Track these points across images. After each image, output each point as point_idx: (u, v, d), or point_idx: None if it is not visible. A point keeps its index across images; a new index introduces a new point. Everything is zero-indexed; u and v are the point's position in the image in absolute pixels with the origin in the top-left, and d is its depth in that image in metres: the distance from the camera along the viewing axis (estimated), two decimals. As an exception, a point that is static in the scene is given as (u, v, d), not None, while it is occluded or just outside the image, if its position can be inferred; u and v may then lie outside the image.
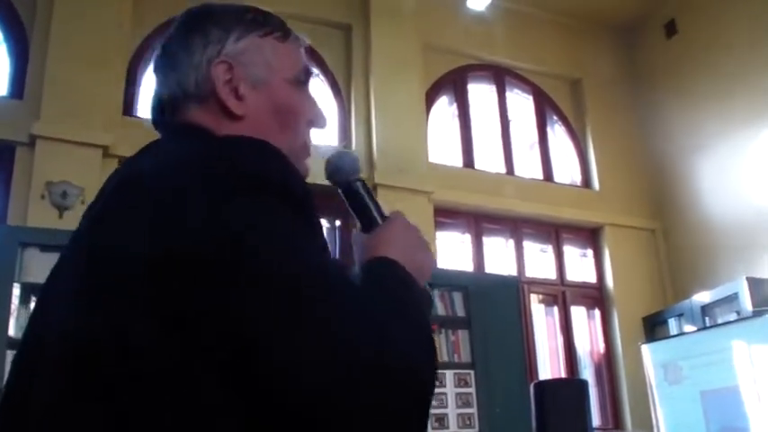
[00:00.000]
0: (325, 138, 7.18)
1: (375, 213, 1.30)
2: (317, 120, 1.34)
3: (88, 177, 5.75)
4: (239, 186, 0.99)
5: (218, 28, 1.23)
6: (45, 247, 4.38)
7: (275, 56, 1.26)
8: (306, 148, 1.32)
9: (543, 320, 7.82)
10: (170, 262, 0.93)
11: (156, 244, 0.95)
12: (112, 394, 0.92)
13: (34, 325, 1.10)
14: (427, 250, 1.26)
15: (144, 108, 6.55)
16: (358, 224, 1.32)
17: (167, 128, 1.25)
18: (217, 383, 0.91)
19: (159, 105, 1.26)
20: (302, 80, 1.31)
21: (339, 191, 1.33)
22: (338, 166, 1.33)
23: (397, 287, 1.11)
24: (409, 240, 1.25)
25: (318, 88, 7.45)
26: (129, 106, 6.50)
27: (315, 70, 7.42)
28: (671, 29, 8.56)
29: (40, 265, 4.35)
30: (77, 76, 6.08)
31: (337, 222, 7.02)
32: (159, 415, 0.91)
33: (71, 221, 5.31)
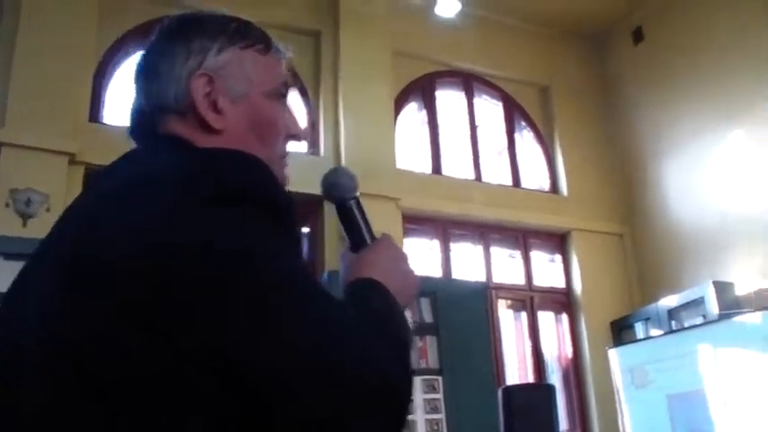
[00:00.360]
0: (293, 144, 7.17)
1: (365, 233, 1.30)
2: (296, 132, 1.34)
3: (54, 184, 5.70)
4: (221, 197, 0.99)
5: (201, 38, 1.23)
6: (8, 256, 4.33)
7: (255, 69, 1.25)
8: (284, 159, 1.32)
9: (511, 326, 7.85)
10: (151, 271, 0.93)
11: (138, 253, 0.95)
12: (105, 395, 0.93)
13: (5, 331, 1.09)
14: (411, 274, 1.28)
15: (111, 115, 6.51)
16: (347, 241, 1.32)
17: (146, 139, 1.23)
18: (197, 388, 0.92)
19: (137, 116, 1.25)
20: (282, 93, 1.30)
21: (334, 207, 1.33)
22: (334, 183, 1.34)
23: (379, 307, 1.12)
24: (394, 263, 1.25)
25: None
26: (95, 113, 6.45)
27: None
28: (638, 36, 8.64)
29: (2, 274, 4.30)
30: (43, 83, 6.02)
31: (305, 229, 7.00)
32: (153, 415, 0.92)
33: (35, 229, 5.27)
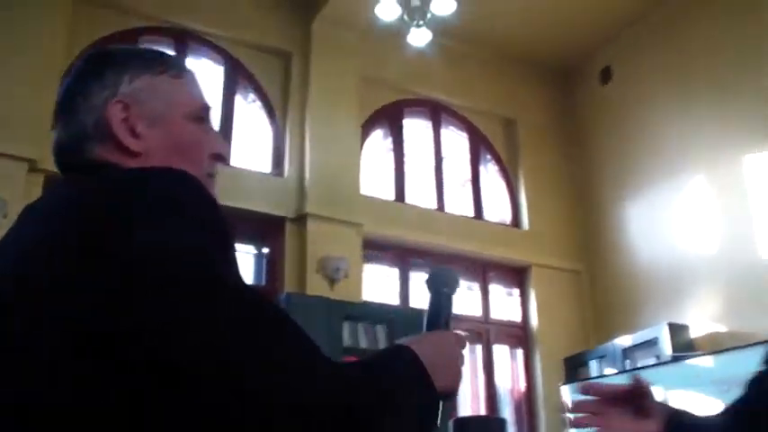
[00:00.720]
0: (258, 164, 7.16)
1: (441, 321, 1.37)
2: (220, 152, 1.36)
3: (12, 191, 5.63)
4: (156, 210, 1.02)
5: (113, 71, 1.27)
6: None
7: (170, 93, 1.30)
8: (211, 179, 1.33)
9: (466, 357, 7.81)
10: (87, 284, 0.96)
11: (73, 269, 0.98)
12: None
13: None
14: (455, 364, 1.26)
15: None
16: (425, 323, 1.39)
17: (74, 167, 1.26)
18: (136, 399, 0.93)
19: (59, 148, 1.28)
20: (201, 116, 1.33)
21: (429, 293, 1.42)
22: (439, 277, 1.43)
23: (393, 367, 1.12)
24: (444, 349, 1.25)
25: (254, 114, 7.43)
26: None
27: (252, 96, 7.42)
28: (606, 75, 8.73)
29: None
30: (6, 88, 5.97)
31: (265, 250, 6.97)
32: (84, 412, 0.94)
33: (-8, 235, 5.18)
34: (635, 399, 1.67)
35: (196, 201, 1.08)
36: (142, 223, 0.99)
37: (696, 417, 1.72)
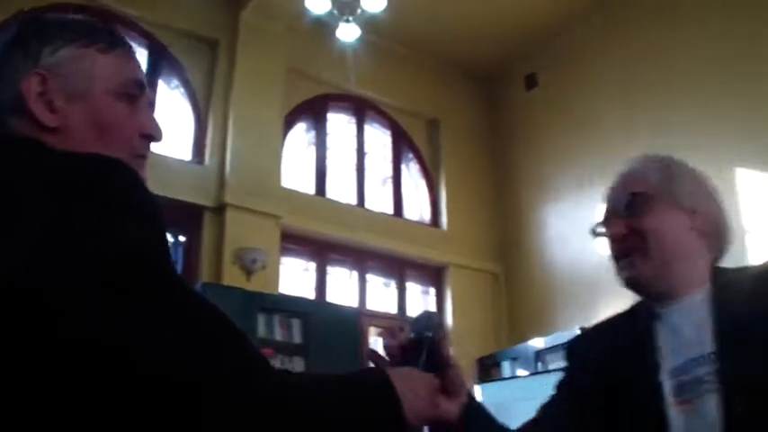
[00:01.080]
0: (178, 152, 7.06)
1: (420, 362, 1.41)
2: (151, 132, 1.29)
3: None
4: (83, 198, 1.00)
5: (37, 39, 1.21)
6: None
7: (95, 67, 1.22)
8: (140, 160, 1.27)
9: (380, 353, 7.84)
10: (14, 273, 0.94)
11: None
12: None
13: None
14: (423, 398, 1.23)
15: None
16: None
17: None
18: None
19: None
20: (131, 92, 1.26)
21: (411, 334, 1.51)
22: (421, 321, 1.50)
23: (347, 388, 1.12)
24: (417, 383, 1.23)
25: (177, 100, 7.33)
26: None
27: (176, 82, 7.31)
28: (531, 82, 8.84)
29: None
30: None
31: (181, 238, 6.88)
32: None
33: None
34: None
35: (129, 191, 1.06)
36: (68, 213, 0.97)
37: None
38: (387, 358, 1.54)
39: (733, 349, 1.48)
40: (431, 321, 1.50)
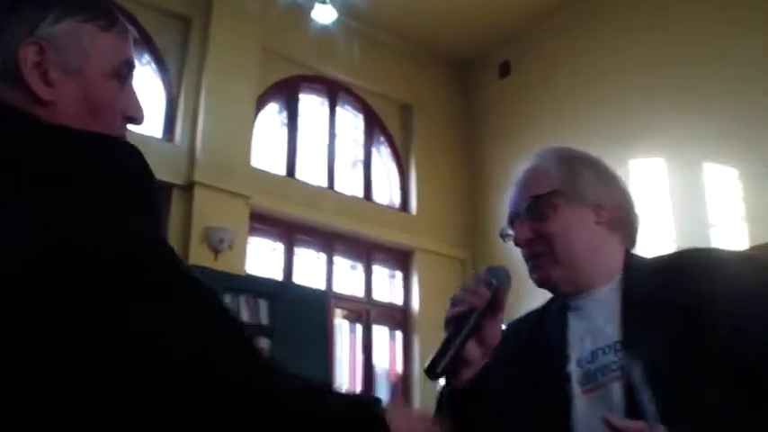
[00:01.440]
0: (149, 129, 7.02)
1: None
2: (134, 115, 1.29)
3: None
4: (86, 184, 0.99)
5: (36, 7, 1.16)
6: None
7: (94, 45, 1.19)
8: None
9: (346, 336, 7.89)
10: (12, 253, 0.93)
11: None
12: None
13: None
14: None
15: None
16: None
17: None
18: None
19: None
20: (122, 73, 1.24)
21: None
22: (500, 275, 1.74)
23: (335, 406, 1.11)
24: (416, 422, 1.26)
25: (148, 76, 7.28)
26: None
27: (147, 58, 7.26)
28: (505, 69, 8.88)
29: None
30: None
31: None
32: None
33: None
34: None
35: (124, 169, 1.06)
36: (62, 193, 0.97)
37: None
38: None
39: (637, 336, 1.49)
40: (507, 275, 1.72)
